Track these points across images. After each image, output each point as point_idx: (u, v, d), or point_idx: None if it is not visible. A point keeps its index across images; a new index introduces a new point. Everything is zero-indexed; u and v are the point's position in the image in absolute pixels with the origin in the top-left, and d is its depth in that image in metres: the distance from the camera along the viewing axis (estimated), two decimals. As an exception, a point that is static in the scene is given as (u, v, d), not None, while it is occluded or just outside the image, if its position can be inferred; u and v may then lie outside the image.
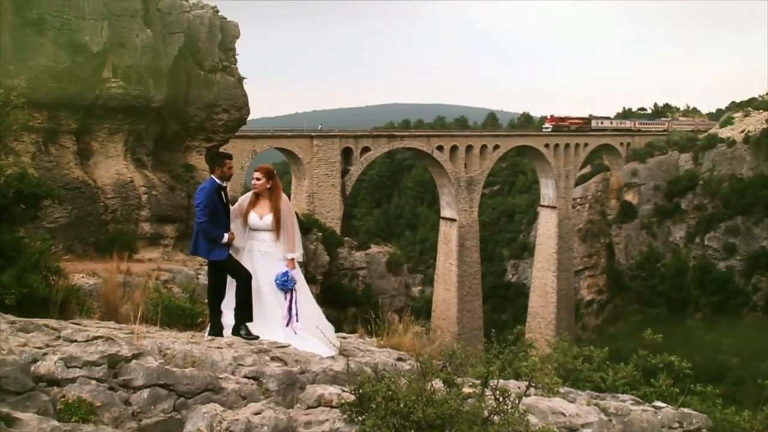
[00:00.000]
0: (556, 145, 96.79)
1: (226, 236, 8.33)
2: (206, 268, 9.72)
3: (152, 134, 28.92)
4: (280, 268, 8.44)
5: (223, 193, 8.52)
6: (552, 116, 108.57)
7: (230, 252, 8.53)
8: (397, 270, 66.74)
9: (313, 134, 74.31)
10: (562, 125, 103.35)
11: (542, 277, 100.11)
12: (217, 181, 8.46)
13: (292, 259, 8.53)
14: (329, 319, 8.89)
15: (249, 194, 8.80)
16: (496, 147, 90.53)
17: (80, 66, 24.40)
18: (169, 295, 10.35)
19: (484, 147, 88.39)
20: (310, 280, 9.39)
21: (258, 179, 8.63)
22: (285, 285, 8.35)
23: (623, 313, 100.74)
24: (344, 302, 54.19)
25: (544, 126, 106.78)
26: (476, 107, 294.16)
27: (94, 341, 5.86)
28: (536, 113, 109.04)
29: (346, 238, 67.42)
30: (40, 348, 5.64)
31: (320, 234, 58.00)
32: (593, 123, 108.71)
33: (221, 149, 35.24)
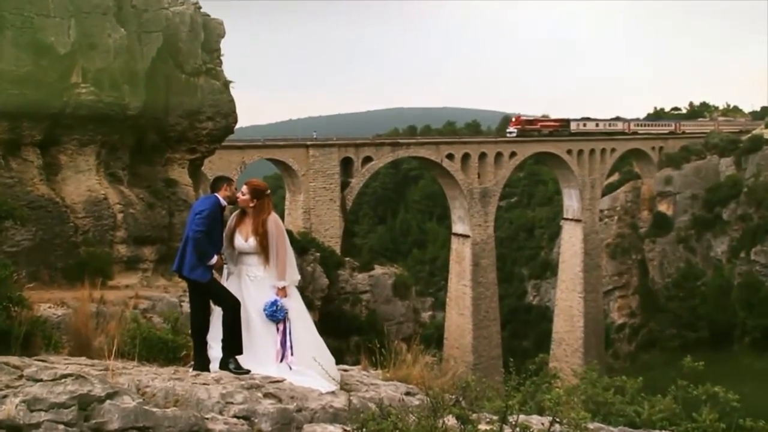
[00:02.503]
0: (580, 152, 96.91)
1: (215, 258, 8.37)
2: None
3: (128, 146, 28.90)
4: (270, 297, 8.41)
5: (222, 215, 8.61)
6: (517, 118, 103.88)
7: (220, 277, 8.55)
8: (405, 293, 66.67)
9: (308, 143, 74.53)
10: (530, 129, 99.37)
11: (567, 299, 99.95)
12: (222, 200, 8.53)
13: (284, 287, 8.51)
14: (329, 348, 8.85)
15: (236, 213, 8.84)
16: (513, 154, 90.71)
17: (45, 70, 24.41)
18: (148, 326, 10.32)
19: (499, 155, 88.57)
20: (307, 305, 9.35)
21: (243, 193, 8.65)
22: (274, 315, 8.31)
23: (659, 339, 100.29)
24: (346, 330, 54.16)
25: (507, 131, 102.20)
26: (489, 110, 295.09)
27: (63, 380, 5.81)
28: (558, 116, 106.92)
29: (347, 259, 67.48)
30: None
31: (318, 254, 58.04)
32: (572, 126, 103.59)
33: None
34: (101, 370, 7.10)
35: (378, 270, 66.90)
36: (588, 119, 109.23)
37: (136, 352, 8.89)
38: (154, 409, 5.88)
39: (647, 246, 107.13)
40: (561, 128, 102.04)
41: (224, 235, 8.64)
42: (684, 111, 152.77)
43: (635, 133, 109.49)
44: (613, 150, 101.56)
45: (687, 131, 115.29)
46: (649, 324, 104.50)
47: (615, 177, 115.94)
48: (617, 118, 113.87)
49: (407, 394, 8.62)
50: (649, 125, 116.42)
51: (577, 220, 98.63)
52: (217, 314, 8.48)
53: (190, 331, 9.08)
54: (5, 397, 5.44)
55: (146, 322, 11.65)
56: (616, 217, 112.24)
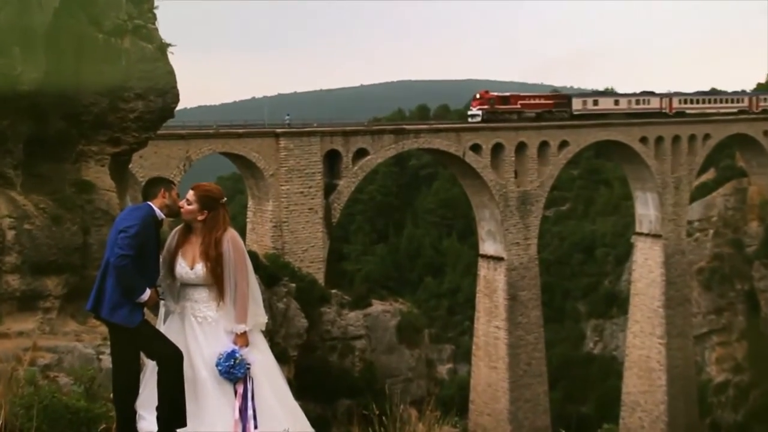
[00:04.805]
0: (659, 139, 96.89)
1: (147, 293, 8.26)
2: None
3: (23, 135, 28.81)
4: (225, 346, 8.32)
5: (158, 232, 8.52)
6: (483, 94, 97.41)
7: (156, 318, 8.49)
8: (414, 339, 66.89)
9: (279, 131, 74.99)
10: (504, 110, 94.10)
11: (643, 347, 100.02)
12: (157, 210, 8.46)
13: (244, 333, 8.42)
14: (308, 417, 8.80)
15: (178, 228, 8.74)
16: (564, 144, 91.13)
17: None
18: (51, 390, 10.26)
19: (544, 144, 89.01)
20: (278, 356, 9.34)
21: (189, 202, 8.55)
22: (231, 373, 8.25)
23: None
24: (332, 391, 54.33)
25: (469, 113, 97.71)
26: (529, 83, 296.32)
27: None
28: (627, 90, 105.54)
29: (334, 291, 67.71)
30: None
31: (293, 285, 58.17)
32: (575, 104, 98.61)
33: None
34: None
35: (377, 306, 67.18)
36: (602, 94, 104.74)
37: (33, 427, 8.81)
38: None
39: (758, 272, 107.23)
40: (555, 108, 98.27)
41: (161, 260, 8.56)
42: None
43: (681, 113, 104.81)
44: (706, 136, 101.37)
45: None
46: (763, 383, 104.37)
47: (710, 174, 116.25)
48: (649, 93, 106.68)
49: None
50: (705, 102, 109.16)
51: (656, 236, 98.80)
52: (150, 371, 8.40)
53: (112, 396, 9.00)
54: None
55: (48, 384, 11.59)
56: (711, 231, 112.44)
